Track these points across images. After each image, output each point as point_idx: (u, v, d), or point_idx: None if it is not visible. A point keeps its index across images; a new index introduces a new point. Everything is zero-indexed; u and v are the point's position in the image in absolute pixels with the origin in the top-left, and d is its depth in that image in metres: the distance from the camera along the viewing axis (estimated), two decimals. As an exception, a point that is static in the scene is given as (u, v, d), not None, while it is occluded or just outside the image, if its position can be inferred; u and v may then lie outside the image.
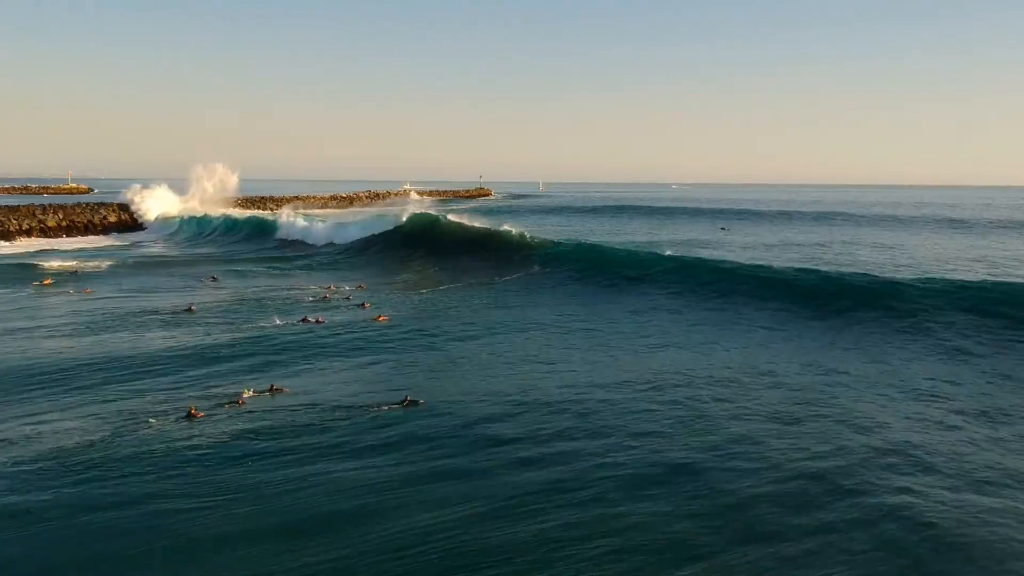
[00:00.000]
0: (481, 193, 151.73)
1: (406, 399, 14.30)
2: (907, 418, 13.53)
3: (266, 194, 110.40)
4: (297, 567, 8.53)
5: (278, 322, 22.39)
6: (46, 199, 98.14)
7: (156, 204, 70.88)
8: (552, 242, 36.04)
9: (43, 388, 15.29)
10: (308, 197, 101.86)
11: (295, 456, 11.81)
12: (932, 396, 14.83)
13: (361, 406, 14.15)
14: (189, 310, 24.20)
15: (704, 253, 35.69)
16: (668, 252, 32.48)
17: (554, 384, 15.73)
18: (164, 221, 66.45)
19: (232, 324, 22.30)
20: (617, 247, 35.49)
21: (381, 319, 22.79)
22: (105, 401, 14.47)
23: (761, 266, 28.86)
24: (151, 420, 13.30)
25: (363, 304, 25.71)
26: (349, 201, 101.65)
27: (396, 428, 13.01)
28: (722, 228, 57.76)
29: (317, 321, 22.44)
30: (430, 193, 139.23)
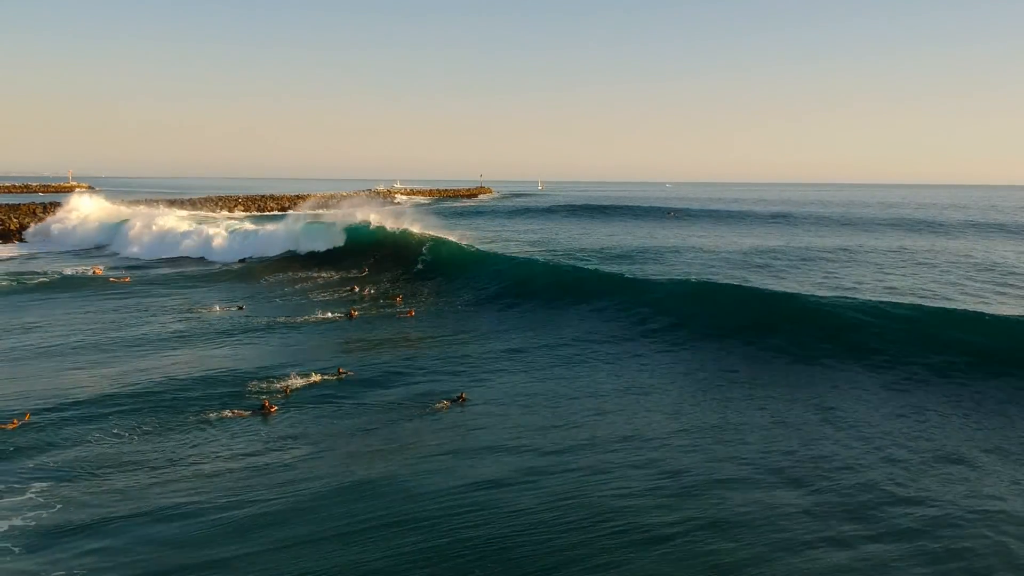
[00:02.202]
0: (480, 191, 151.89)
1: (460, 396, 14.94)
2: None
3: (266, 192, 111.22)
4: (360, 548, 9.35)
5: (329, 315, 23.63)
6: (43, 197, 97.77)
7: (83, 210, 55.10)
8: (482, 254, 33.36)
9: (117, 396, 16.09)
10: (309, 196, 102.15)
11: (358, 446, 12.69)
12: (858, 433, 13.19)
13: (416, 403, 14.87)
14: (240, 308, 25.05)
15: (633, 264, 32.63)
16: (594, 266, 29.39)
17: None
18: (57, 231, 51.25)
19: (282, 318, 23.46)
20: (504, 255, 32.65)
21: (411, 313, 23.82)
22: (179, 398, 15.07)
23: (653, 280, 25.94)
24: (228, 414, 13.96)
25: (396, 297, 27.06)
26: (348, 200, 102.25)
27: (450, 423, 13.89)
28: (670, 213, 59.29)
29: (350, 316, 23.45)
30: (429, 192, 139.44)
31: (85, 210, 54.47)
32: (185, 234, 44.04)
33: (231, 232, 43.05)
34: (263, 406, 14.14)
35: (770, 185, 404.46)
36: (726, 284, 24.34)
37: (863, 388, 15.72)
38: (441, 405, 14.51)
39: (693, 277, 25.95)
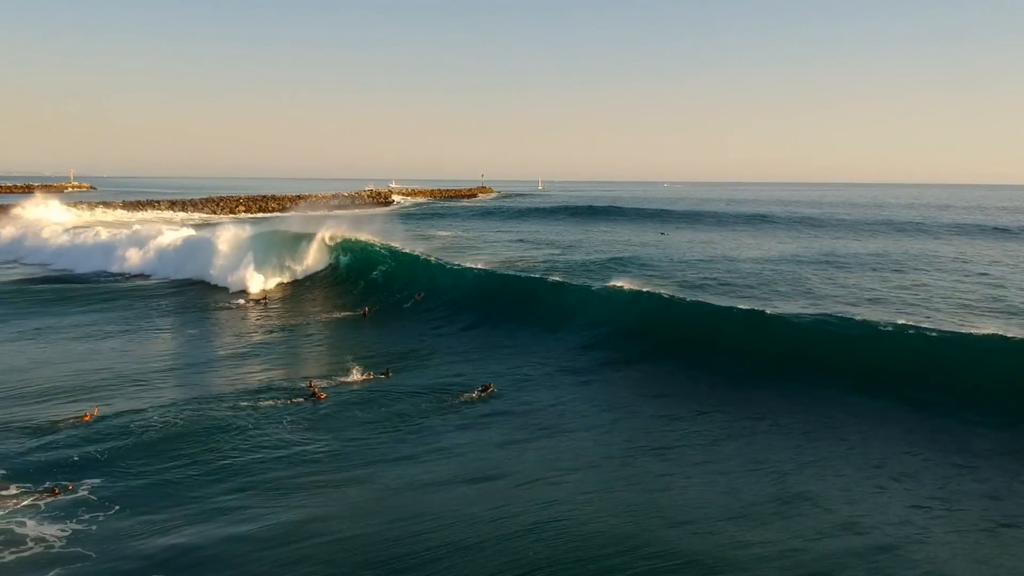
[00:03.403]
0: (480, 191, 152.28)
1: (489, 387, 16.00)
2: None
3: (268, 192, 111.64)
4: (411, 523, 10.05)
5: (366, 310, 25.22)
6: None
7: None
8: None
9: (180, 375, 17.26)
10: (310, 196, 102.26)
11: (397, 434, 13.46)
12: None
13: (447, 392, 15.98)
14: (263, 299, 26.33)
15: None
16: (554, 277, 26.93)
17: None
18: None
19: (299, 316, 24.82)
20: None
21: (418, 298, 25.36)
22: (239, 386, 16.20)
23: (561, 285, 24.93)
24: (288, 401, 15.06)
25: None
26: (351, 200, 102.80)
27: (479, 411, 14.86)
28: (662, 233, 56.73)
29: (364, 314, 24.78)
30: (429, 192, 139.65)
31: (28, 216, 51.95)
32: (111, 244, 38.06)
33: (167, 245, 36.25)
34: (312, 393, 15.33)
35: (769, 185, 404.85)
36: (689, 301, 22.38)
37: (832, 413, 14.79)
38: (470, 396, 15.58)
39: (672, 293, 23.74)
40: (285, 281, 31.37)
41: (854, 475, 11.73)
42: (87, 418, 13.77)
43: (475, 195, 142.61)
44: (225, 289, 29.82)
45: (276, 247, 32.59)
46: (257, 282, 29.27)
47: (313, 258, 32.56)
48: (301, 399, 15.13)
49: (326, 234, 32.62)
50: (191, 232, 38.04)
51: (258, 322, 23.81)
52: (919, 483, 11.45)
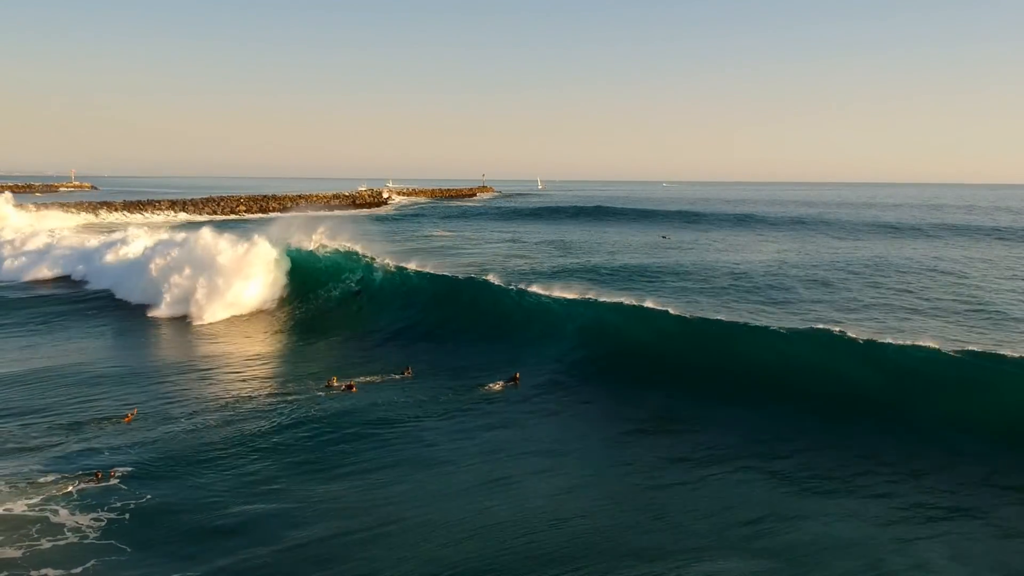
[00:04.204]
0: (480, 191, 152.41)
1: (515, 377, 16.60)
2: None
3: (269, 192, 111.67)
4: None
5: (359, 289, 25.94)
6: (41, 198, 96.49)
7: None
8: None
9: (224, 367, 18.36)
10: (311, 196, 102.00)
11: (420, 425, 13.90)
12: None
13: (471, 385, 16.56)
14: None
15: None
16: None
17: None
18: None
19: (309, 313, 25.37)
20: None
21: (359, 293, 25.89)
22: (259, 384, 16.87)
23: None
24: (319, 393, 15.78)
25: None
26: (351, 200, 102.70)
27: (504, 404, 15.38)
28: (663, 236, 55.42)
29: (357, 294, 25.75)
30: (430, 192, 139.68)
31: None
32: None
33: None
34: (349, 386, 16.01)
35: (769, 185, 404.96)
36: (694, 317, 20.59)
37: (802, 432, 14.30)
38: (496, 387, 16.13)
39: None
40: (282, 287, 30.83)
41: (856, 481, 11.86)
42: (127, 419, 14.04)
43: (474, 194, 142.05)
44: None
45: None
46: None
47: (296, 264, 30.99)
48: (335, 391, 15.72)
49: (311, 240, 31.23)
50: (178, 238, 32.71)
51: (260, 324, 23.97)
52: (925, 487, 11.68)
